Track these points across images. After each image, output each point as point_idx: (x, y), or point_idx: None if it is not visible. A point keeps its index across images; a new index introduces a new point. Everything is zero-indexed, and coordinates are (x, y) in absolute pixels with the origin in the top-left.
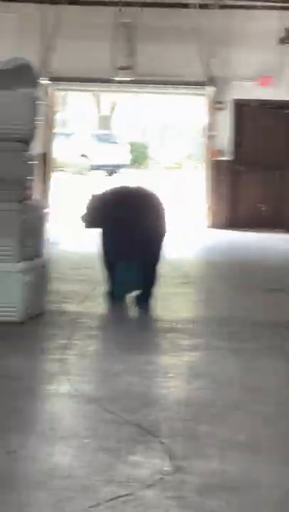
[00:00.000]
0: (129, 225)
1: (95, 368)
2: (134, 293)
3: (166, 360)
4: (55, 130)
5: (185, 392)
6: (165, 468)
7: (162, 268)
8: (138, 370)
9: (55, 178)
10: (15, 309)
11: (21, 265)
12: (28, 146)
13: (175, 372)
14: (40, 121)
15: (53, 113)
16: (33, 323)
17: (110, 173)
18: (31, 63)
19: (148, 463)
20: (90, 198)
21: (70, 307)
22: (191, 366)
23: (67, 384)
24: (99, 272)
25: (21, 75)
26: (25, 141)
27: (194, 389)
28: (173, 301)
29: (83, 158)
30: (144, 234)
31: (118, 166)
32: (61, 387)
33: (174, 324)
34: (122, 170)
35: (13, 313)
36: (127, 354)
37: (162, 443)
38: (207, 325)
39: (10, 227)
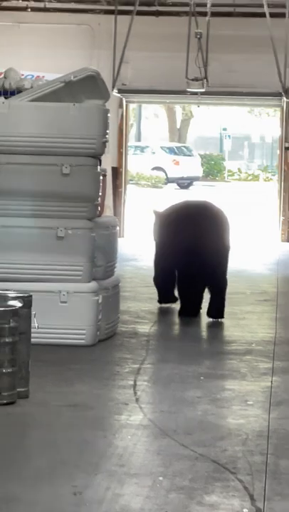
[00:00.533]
0: (192, 242)
1: (168, 396)
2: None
3: (243, 386)
4: (128, 143)
5: (265, 423)
6: (245, 510)
7: (237, 285)
8: (214, 397)
9: (129, 191)
10: (85, 332)
11: (92, 285)
12: (99, 160)
13: (254, 399)
14: (110, 135)
15: (127, 126)
16: (104, 347)
17: (184, 185)
18: (100, 73)
19: (226, 504)
20: (154, 214)
21: (142, 328)
22: (272, 393)
23: (140, 414)
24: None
25: (91, 86)
26: (96, 155)
27: (275, 418)
28: (250, 320)
29: (158, 171)
30: (208, 251)
31: (192, 179)
32: (132, 417)
33: (251, 346)
34: (195, 182)
35: (83, 336)
36: (202, 379)
37: (241, 481)
38: (288, 346)
39: (80, 245)
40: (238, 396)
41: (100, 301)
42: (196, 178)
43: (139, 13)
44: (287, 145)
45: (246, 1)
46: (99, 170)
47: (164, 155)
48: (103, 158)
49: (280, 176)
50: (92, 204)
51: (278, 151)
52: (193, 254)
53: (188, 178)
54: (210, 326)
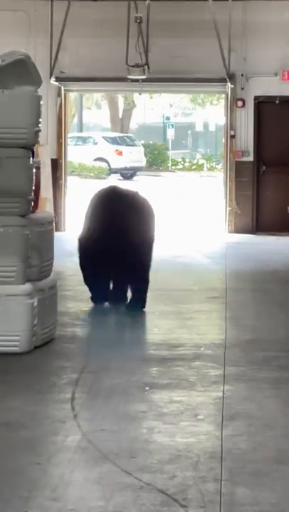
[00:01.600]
0: (113, 232)
1: (109, 411)
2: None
3: (193, 397)
4: (70, 134)
5: (218, 441)
6: None
7: (184, 281)
8: (160, 411)
9: (71, 183)
10: (18, 338)
11: (26, 287)
12: (32, 152)
13: (204, 412)
14: (49, 125)
15: (66, 115)
16: (40, 354)
17: (127, 176)
18: (30, 57)
19: None
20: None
21: (82, 331)
22: (224, 404)
23: (78, 433)
24: None
25: (21, 71)
26: (28, 146)
27: (229, 436)
28: (198, 320)
29: (100, 161)
30: (129, 242)
31: (135, 169)
32: (70, 437)
33: (200, 349)
34: (138, 173)
35: (16, 343)
36: (147, 390)
37: None
38: (240, 350)
39: (13, 244)
40: (187, 409)
41: (35, 304)
42: (140, 169)
43: None
44: (232, 133)
45: None
46: (31, 162)
47: (106, 145)
48: (42, 149)
49: (226, 165)
50: (25, 199)
51: (223, 140)
52: (111, 241)
53: (132, 168)
54: (155, 327)
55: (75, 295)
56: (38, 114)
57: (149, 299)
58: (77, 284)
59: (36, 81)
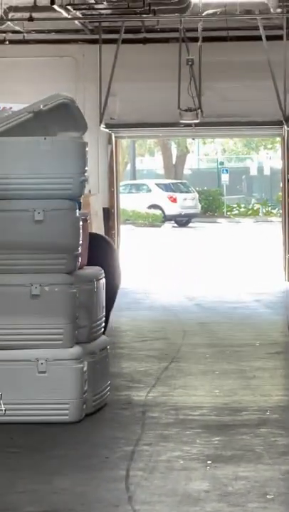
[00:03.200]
0: None
1: (168, 491)
2: None
3: (260, 471)
4: (123, 182)
5: None
6: None
7: (244, 335)
8: (225, 490)
9: (125, 232)
10: (68, 407)
11: (75, 350)
12: (78, 203)
13: (274, 490)
14: (101, 173)
15: (117, 163)
16: (91, 423)
17: (182, 223)
18: (74, 100)
19: None
20: None
21: (138, 395)
22: None
23: None
24: (174, 343)
25: (64, 116)
26: (74, 197)
27: None
28: (261, 379)
29: (154, 209)
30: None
31: (190, 216)
32: None
33: (266, 414)
34: (193, 219)
35: (66, 412)
36: (210, 465)
37: None
38: None
39: (59, 304)
40: (254, 487)
41: (85, 368)
42: (195, 215)
43: (125, 41)
44: None
45: (240, 24)
46: (78, 214)
47: (160, 192)
48: (94, 198)
49: (284, 210)
50: (71, 255)
51: (281, 184)
52: None
53: (186, 215)
54: (215, 389)
55: (130, 353)
56: (84, 162)
57: (209, 356)
58: (132, 340)
59: (81, 126)
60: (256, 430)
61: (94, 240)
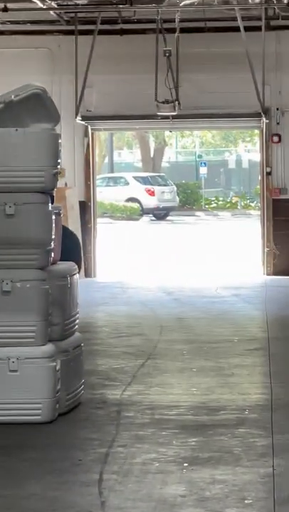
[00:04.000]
0: None
1: (143, 495)
2: None
3: (238, 475)
4: (101, 175)
5: None
6: None
7: (222, 330)
8: (202, 495)
9: (102, 225)
10: (40, 406)
11: (48, 348)
12: (51, 196)
13: (253, 495)
14: (77, 166)
15: (93, 156)
16: (64, 424)
17: (160, 216)
18: (46, 91)
19: None
20: None
21: (113, 394)
22: (274, 484)
23: None
24: (150, 340)
25: (36, 107)
26: (46, 190)
27: None
28: (240, 377)
29: (133, 202)
30: None
31: (168, 209)
32: None
33: (244, 413)
34: (171, 212)
35: (38, 412)
36: (187, 467)
37: None
38: None
39: (31, 301)
40: (232, 491)
41: (57, 367)
42: (173, 208)
43: (102, 32)
44: (268, 170)
45: (218, 15)
46: (50, 208)
47: (137, 185)
48: (70, 191)
49: (262, 203)
50: (44, 250)
51: (259, 177)
52: None
53: (164, 208)
54: (192, 387)
55: (105, 350)
56: (57, 155)
57: (187, 353)
58: (107, 336)
59: (54, 117)
60: (234, 431)
61: None
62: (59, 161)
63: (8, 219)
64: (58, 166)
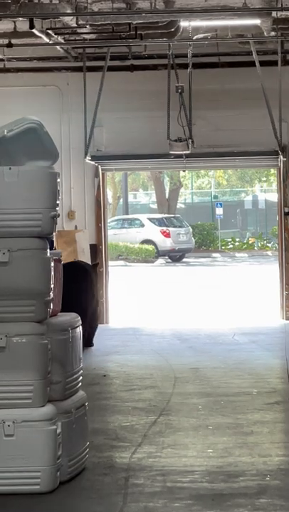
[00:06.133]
0: None
1: None
2: None
3: None
4: (114, 216)
5: None
6: None
7: (240, 381)
8: None
9: (116, 269)
10: (39, 475)
11: (47, 410)
12: (49, 241)
13: None
14: (87, 208)
15: (104, 197)
16: (66, 493)
17: (175, 258)
18: (42, 125)
19: None
20: None
21: (121, 457)
22: None
23: None
24: (163, 393)
25: (31, 143)
26: (44, 235)
27: None
28: (260, 435)
29: (148, 244)
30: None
31: (184, 251)
32: None
33: (265, 479)
34: (187, 254)
35: (37, 481)
36: None
37: None
38: None
39: (28, 358)
40: None
41: (58, 430)
42: (189, 250)
43: (112, 68)
44: (287, 210)
45: (232, 49)
46: (49, 254)
47: (152, 227)
48: (80, 234)
49: (281, 245)
50: (42, 301)
51: (277, 217)
52: None
53: (180, 249)
54: (208, 448)
55: (115, 405)
56: (55, 195)
57: (202, 408)
58: (118, 389)
59: (51, 154)
60: (255, 501)
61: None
62: (57, 202)
63: (1, 267)
64: (57, 208)
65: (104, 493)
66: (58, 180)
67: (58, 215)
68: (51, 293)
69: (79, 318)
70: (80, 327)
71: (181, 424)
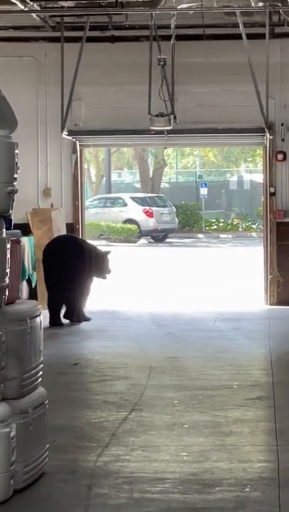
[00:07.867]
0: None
1: None
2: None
3: None
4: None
5: None
6: None
7: (221, 373)
8: None
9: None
10: None
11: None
12: (5, 220)
13: None
14: (64, 186)
15: (82, 174)
16: (20, 504)
17: (158, 238)
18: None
19: None
20: None
21: (85, 460)
22: None
23: None
24: (137, 385)
25: None
26: (0, 213)
27: None
28: (239, 436)
29: (130, 223)
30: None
31: (167, 231)
32: None
33: (244, 490)
34: (170, 235)
35: None
36: None
37: None
38: None
39: None
40: None
41: (12, 433)
42: (172, 230)
43: (91, 39)
44: (272, 190)
45: (218, 21)
46: (4, 235)
47: (135, 206)
48: (56, 213)
49: (266, 227)
50: None
51: (262, 198)
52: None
53: (163, 230)
54: (183, 450)
55: (84, 398)
56: (13, 168)
57: (179, 402)
58: (88, 380)
59: (9, 122)
60: None
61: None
62: (15, 176)
63: None
64: (14, 183)
65: (64, 504)
66: (17, 151)
67: (16, 191)
68: (7, 278)
69: (39, 306)
70: (41, 316)
71: (154, 421)
